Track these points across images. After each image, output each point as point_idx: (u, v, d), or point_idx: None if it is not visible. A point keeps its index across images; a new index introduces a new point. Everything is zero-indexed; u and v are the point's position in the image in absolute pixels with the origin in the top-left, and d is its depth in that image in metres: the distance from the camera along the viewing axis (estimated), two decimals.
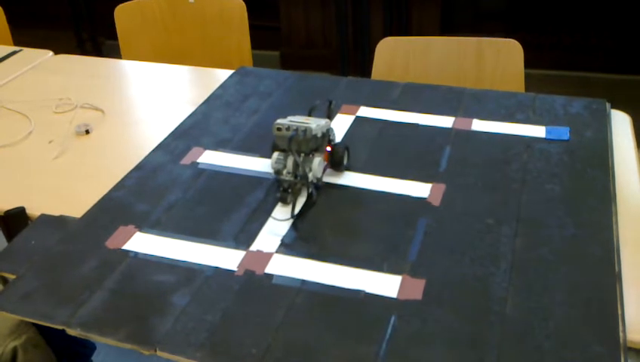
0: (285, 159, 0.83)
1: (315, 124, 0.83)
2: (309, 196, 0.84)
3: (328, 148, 0.88)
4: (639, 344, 0.64)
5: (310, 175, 0.83)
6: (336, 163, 0.88)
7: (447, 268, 0.72)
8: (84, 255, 0.76)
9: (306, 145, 0.82)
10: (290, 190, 0.83)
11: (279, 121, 0.82)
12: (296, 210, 0.82)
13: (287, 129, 0.81)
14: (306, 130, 0.81)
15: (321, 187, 0.86)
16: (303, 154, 0.83)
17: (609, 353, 0.61)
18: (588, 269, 0.71)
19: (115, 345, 0.65)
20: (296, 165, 0.82)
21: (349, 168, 0.91)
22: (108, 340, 0.65)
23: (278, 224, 0.80)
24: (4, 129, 1.08)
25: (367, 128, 1.01)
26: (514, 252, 0.74)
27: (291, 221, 0.80)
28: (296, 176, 0.82)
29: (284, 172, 0.83)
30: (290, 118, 0.84)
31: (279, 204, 0.83)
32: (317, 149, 0.85)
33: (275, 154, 0.84)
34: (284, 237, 0.78)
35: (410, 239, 0.77)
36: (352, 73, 2.65)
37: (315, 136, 0.82)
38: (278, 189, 0.84)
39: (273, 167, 0.84)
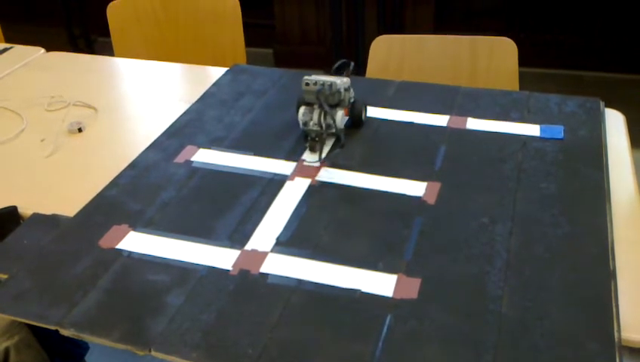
0: (311, 112, 0.93)
1: (339, 80, 0.92)
2: (337, 140, 0.95)
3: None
4: (634, 342, 0.64)
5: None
6: (355, 116, 0.99)
7: (443, 267, 0.72)
8: (77, 254, 0.76)
9: (331, 98, 0.92)
10: (317, 138, 0.93)
11: (307, 77, 0.93)
12: (324, 155, 0.92)
13: (315, 84, 0.91)
14: (331, 85, 0.91)
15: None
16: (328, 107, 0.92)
17: (604, 351, 0.61)
18: (583, 267, 0.71)
19: (110, 346, 0.65)
20: (323, 116, 0.92)
21: (344, 166, 0.91)
22: (102, 340, 0.65)
23: (272, 222, 0.80)
24: None
25: (363, 126, 1.01)
26: (509, 250, 0.74)
27: (319, 162, 0.91)
28: (321, 127, 0.92)
29: (311, 123, 0.93)
30: (314, 75, 0.94)
31: (307, 151, 0.94)
32: (339, 104, 0.94)
33: (302, 108, 0.94)
34: (279, 236, 0.78)
35: (406, 238, 0.77)
36: None
37: (338, 90, 0.92)
38: (306, 139, 0.96)
39: (301, 120, 0.94)
